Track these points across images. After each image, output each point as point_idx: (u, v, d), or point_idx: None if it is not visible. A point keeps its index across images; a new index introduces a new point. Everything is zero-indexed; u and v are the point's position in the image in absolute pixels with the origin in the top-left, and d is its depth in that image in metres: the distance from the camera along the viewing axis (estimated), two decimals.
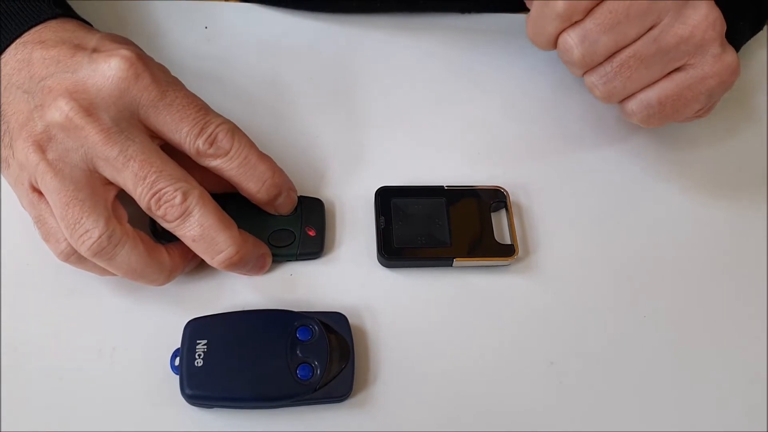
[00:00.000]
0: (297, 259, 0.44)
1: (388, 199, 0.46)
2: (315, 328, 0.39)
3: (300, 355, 0.39)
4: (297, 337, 0.39)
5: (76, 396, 0.39)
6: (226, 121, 0.40)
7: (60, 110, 0.37)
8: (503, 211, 0.47)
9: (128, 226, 0.39)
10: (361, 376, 0.40)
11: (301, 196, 0.45)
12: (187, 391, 0.37)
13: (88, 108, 0.37)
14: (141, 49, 0.40)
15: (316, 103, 0.51)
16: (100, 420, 0.38)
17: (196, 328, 0.39)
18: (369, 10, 0.56)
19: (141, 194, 0.38)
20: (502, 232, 0.46)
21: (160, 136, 0.40)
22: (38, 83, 0.38)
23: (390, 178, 0.47)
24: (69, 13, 0.43)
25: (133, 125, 0.38)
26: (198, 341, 0.38)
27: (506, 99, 0.48)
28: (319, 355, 0.39)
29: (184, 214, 0.38)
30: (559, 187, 0.48)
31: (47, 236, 0.39)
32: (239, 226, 0.42)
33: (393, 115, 0.51)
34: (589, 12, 0.40)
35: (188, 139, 0.39)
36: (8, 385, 0.39)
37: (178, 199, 0.38)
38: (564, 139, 0.51)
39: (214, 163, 0.40)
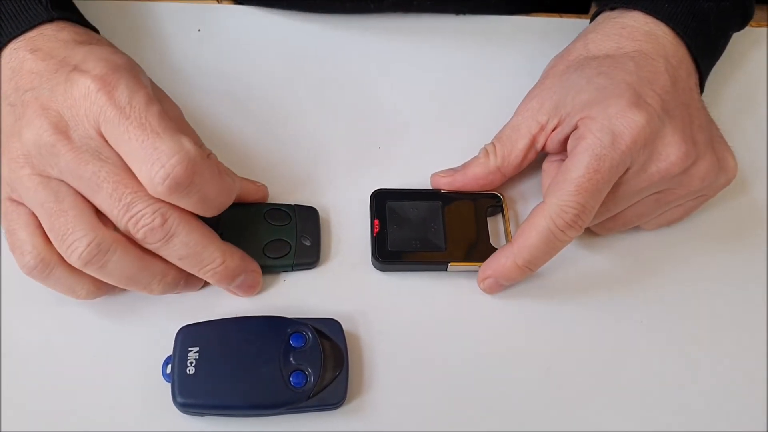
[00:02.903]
0: (293, 270, 0.43)
1: (383, 202, 0.45)
2: (308, 335, 0.39)
3: (293, 362, 0.38)
4: (290, 344, 0.39)
5: (66, 404, 0.38)
6: (184, 152, 0.35)
7: (34, 128, 0.37)
8: (499, 216, 0.46)
9: (118, 232, 0.38)
10: (356, 382, 0.40)
11: (295, 205, 0.45)
12: (179, 399, 0.37)
13: (58, 125, 0.37)
14: (127, 64, 0.39)
15: (310, 106, 0.50)
16: (91, 428, 0.38)
17: (187, 335, 0.39)
18: (363, 11, 0.55)
19: (118, 217, 0.36)
20: (497, 237, 0.45)
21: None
22: (21, 96, 0.38)
23: (385, 182, 0.46)
24: (68, 16, 0.42)
25: (104, 143, 0.37)
26: (190, 348, 0.38)
27: (502, 101, 0.47)
28: (313, 362, 0.38)
29: (166, 236, 0.37)
30: None
31: (13, 247, 0.38)
32: (233, 236, 0.42)
33: (388, 117, 0.51)
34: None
35: (139, 166, 0.36)
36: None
37: (157, 221, 0.36)
38: None
39: (169, 199, 0.36)
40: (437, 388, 0.40)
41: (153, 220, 0.36)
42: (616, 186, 0.41)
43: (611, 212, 0.43)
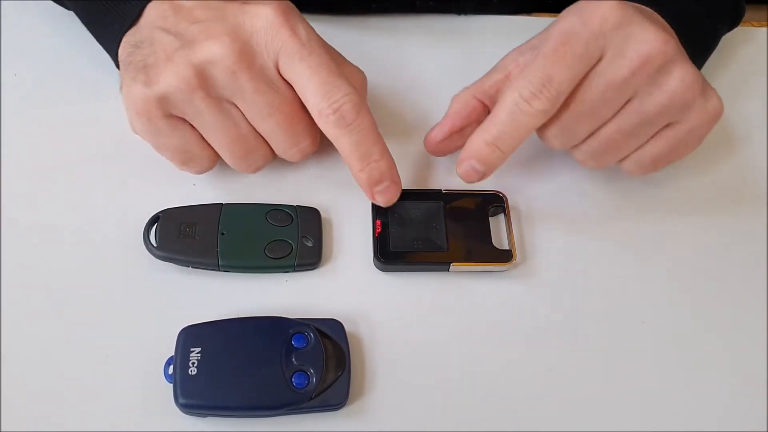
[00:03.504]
0: (295, 270, 0.43)
1: None
2: (310, 336, 0.39)
3: (295, 362, 0.38)
4: (292, 345, 0.39)
5: (68, 405, 0.38)
6: (354, 93, 0.40)
7: (215, 50, 0.38)
8: (501, 216, 0.46)
9: None
10: (357, 383, 0.40)
11: (297, 206, 0.45)
12: (181, 401, 0.37)
13: (241, 53, 0.39)
14: (289, 3, 0.41)
15: None
16: (92, 429, 0.38)
17: (189, 336, 0.39)
18: (365, 12, 0.55)
19: (282, 142, 0.42)
20: (499, 237, 0.45)
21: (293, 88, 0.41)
22: (188, 27, 0.40)
23: None
24: None
25: (278, 75, 0.40)
26: (192, 349, 0.38)
27: None
28: (315, 362, 0.38)
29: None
30: (558, 192, 0.48)
31: (185, 160, 0.43)
32: (234, 237, 0.42)
33: (389, 118, 0.51)
34: (565, 105, 0.40)
35: (314, 99, 0.39)
36: None
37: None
38: None
39: (331, 131, 0.40)
40: (439, 389, 0.40)
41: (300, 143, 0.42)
42: (594, 77, 0.39)
43: (594, 118, 0.41)
